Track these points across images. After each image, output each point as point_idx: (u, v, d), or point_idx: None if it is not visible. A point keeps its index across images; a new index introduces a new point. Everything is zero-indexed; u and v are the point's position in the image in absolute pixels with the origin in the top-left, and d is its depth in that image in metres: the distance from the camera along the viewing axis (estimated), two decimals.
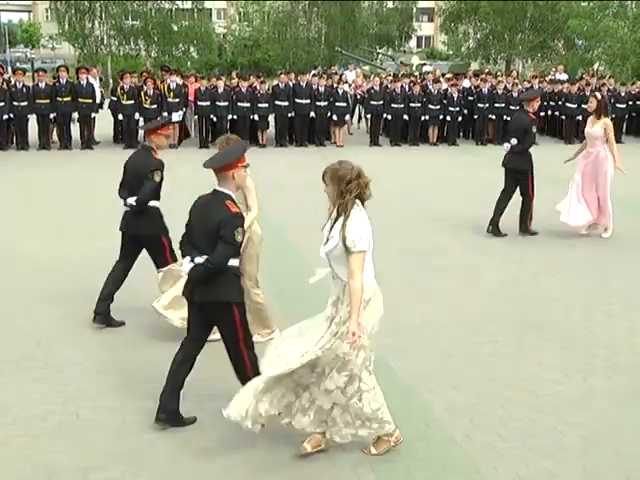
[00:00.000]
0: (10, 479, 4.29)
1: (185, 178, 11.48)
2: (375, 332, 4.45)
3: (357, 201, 4.36)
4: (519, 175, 9.81)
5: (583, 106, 17.26)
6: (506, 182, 9.92)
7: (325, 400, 4.45)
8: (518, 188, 9.90)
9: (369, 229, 4.35)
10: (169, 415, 4.82)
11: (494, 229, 9.92)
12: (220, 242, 4.63)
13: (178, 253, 5.72)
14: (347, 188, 4.31)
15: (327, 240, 4.39)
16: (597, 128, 9.86)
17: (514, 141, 9.78)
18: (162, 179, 6.52)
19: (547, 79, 22.77)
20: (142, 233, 6.58)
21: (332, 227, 4.37)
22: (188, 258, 4.73)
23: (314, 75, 19.24)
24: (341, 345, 4.34)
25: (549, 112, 20.38)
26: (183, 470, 4.40)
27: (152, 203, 6.54)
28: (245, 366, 4.83)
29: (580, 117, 18.85)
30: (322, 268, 4.53)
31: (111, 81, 27.33)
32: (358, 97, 21.39)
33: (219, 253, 4.64)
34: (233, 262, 4.74)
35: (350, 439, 4.53)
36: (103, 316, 6.58)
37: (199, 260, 4.66)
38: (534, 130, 9.83)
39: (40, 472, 4.34)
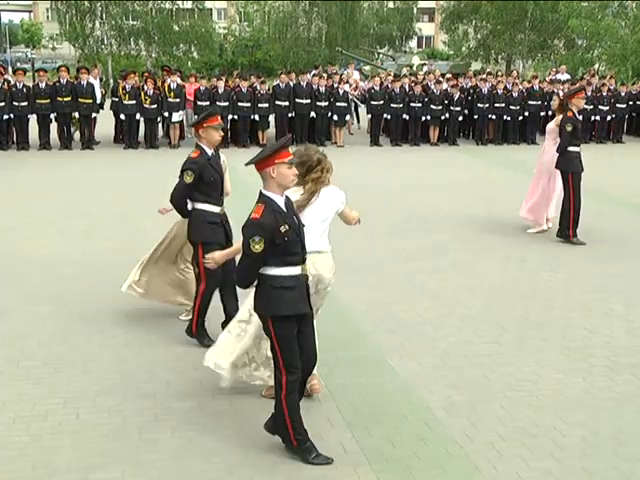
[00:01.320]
0: (10, 479, 4.30)
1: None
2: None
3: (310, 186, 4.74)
4: (562, 175, 9.62)
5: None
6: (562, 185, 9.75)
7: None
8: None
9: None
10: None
11: (562, 234, 9.67)
12: None
13: None
14: (307, 174, 4.72)
15: None
16: (551, 123, 10.21)
17: (558, 140, 9.70)
18: (199, 179, 5.86)
19: (547, 79, 22.75)
20: (189, 239, 6.11)
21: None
22: None
23: (314, 75, 19.20)
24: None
25: (549, 112, 20.34)
26: (183, 470, 4.40)
27: (198, 206, 5.96)
28: (279, 389, 4.38)
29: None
30: None
31: (112, 81, 27.35)
32: (352, 97, 21.25)
33: (237, 263, 4.42)
34: (270, 271, 4.26)
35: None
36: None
37: None
38: (568, 128, 9.45)
39: (40, 472, 4.34)
